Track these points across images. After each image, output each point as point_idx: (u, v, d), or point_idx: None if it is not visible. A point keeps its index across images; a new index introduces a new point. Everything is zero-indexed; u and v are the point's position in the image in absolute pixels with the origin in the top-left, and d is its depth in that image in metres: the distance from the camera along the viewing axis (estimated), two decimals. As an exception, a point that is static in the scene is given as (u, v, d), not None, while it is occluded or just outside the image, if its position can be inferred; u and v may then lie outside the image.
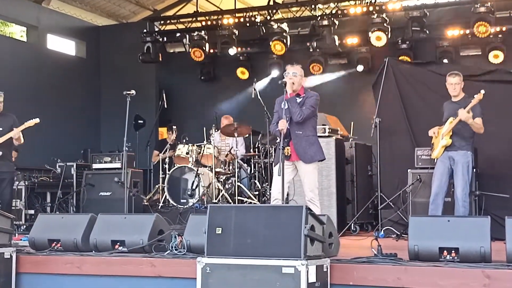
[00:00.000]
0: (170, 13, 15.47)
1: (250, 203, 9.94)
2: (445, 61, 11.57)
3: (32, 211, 10.08)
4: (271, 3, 13.96)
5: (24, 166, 10.62)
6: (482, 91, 7.13)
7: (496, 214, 7.11)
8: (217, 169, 10.31)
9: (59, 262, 5.80)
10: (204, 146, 10.42)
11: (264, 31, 13.92)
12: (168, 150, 10.98)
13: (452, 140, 7.29)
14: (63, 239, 6.01)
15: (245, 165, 10.93)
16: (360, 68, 13.89)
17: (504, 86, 8.50)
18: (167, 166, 10.65)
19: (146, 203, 10.27)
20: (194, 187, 10.06)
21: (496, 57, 12.96)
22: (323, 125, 8.58)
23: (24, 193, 10.04)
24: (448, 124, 7.35)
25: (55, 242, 6.03)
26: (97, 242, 5.88)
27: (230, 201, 9.94)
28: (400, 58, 12.63)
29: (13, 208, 9.69)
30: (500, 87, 8.42)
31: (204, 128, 10.84)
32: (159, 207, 10.23)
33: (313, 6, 13.67)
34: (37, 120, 8.18)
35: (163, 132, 13.58)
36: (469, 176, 7.31)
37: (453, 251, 5.01)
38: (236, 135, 10.38)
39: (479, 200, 7.89)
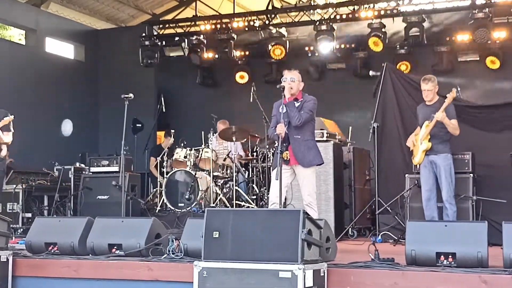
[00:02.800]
0: (169, 17, 15.48)
1: (248, 207, 9.94)
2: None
3: (29, 214, 10.05)
4: (270, 7, 13.98)
5: (21, 169, 10.61)
6: (454, 89, 7.26)
7: (493, 219, 7.12)
8: (215, 173, 10.32)
9: (56, 266, 5.79)
10: (202, 150, 10.43)
11: (263, 35, 13.93)
12: (166, 154, 10.94)
13: (431, 143, 7.38)
14: (60, 243, 6.00)
15: (243, 169, 10.94)
16: (358, 73, 13.90)
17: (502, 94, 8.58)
18: (165, 170, 10.66)
19: (143, 207, 10.27)
20: (191, 191, 10.06)
21: (493, 63, 12.99)
22: (321, 129, 8.58)
23: (21, 196, 10.02)
24: (424, 128, 7.47)
25: (52, 246, 6.02)
26: (94, 246, 5.87)
27: (228, 205, 9.94)
28: (398, 65, 12.69)
29: (10, 211, 9.72)
30: (498, 95, 8.49)
31: (202, 132, 10.85)
32: (157, 211, 10.23)
33: (311, 11, 13.69)
34: (11, 117, 8.01)
35: (161, 136, 13.58)
36: (452, 178, 7.44)
37: (450, 256, 5.01)
38: (234, 139, 10.38)
39: (477, 206, 7.91)
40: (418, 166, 7.68)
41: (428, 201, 7.51)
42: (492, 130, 8.38)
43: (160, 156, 10.96)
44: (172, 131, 11.51)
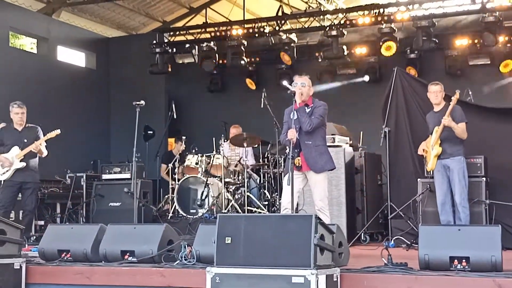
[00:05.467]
0: (179, 24, 15.55)
1: (260, 213, 9.93)
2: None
3: (42, 222, 10.09)
4: (280, 13, 14.01)
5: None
6: (458, 91, 7.25)
7: (506, 223, 7.09)
8: (227, 179, 10.32)
9: (68, 273, 5.80)
10: (214, 156, 10.43)
11: (273, 41, 13.96)
12: (177, 160, 10.96)
13: (442, 148, 7.38)
14: (73, 250, 6.02)
15: (255, 175, 10.93)
16: (368, 78, 13.90)
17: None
18: (176, 176, 10.67)
19: (155, 213, 10.28)
20: (203, 197, 10.07)
21: (505, 66, 12.93)
22: (332, 134, 8.57)
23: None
24: (434, 133, 7.46)
25: (64, 253, 6.04)
26: (106, 253, 5.88)
27: (240, 211, 9.92)
28: (406, 69, 12.66)
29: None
30: (510, 99, 8.47)
31: (214, 138, 10.87)
32: (169, 217, 10.24)
33: (321, 17, 13.71)
34: (58, 131, 8.34)
35: (172, 142, 13.61)
36: (466, 181, 7.40)
37: (464, 260, 4.98)
38: (245, 145, 10.38)
39: (490, 209, 7.87)
40: (431, 172, 7.64)
41: (443, 206, 7.48)
42: (505, 133, 8.34)
43: (172, 162, 10.96)
44: (184, 137, 11.52)
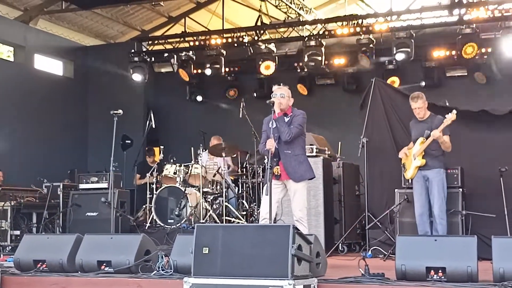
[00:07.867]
0: (158, 33, 15.53)
1: (238, 223, 9.91)
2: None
3: (17, 232, 9.97)
4: (259, 23, 14.04)
5: (10, 186, 10.55)
6: (454, 111, 7.24)
7: (482, 234, 7.13)
8: (205, 189, 10.29)
9: (44, 283, 5.74)
10: (192, 166, 10.41)
11: (252, 51, 13.99)
12: (155, 170, 10.89)
13: (425, 160, 7.40)
14: (49, 260, 5.97)
15: (233, 185, 10.92)
16: (347, 88, 13.98)
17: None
18: (154, 186, 10.62)
19: (133, 223, 10.22)
20: (181, 207, 10.03)
21: (481, 78, 13.08)
22: (310, 144, 8.59)
23: (9, 213, 9.96)
24: (419, 145, 7.47)
25: (40, 263, 5.99)
26: (83, 263, 5.84)
27: (218, 221, 9.90)
28: (388, 81, 12.72)
29: (-2, 228, 9.66)
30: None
31: (192, 148, 10.84)
32: (146, 227, 10.18)
33: (300, 27, 13.76)
34: None
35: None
36: (445, 193, 7.44)
37: (440, 271, 5.01)
38: (224, 155, 10.37)
39: (466, 220, 7.92)
40: (410, 181, 7.68)
41: (421, 217, 7.49)
42: (480, 144, 8.41)
43: (150, 172, 10.89)
44: (162, 146, 11.47)
